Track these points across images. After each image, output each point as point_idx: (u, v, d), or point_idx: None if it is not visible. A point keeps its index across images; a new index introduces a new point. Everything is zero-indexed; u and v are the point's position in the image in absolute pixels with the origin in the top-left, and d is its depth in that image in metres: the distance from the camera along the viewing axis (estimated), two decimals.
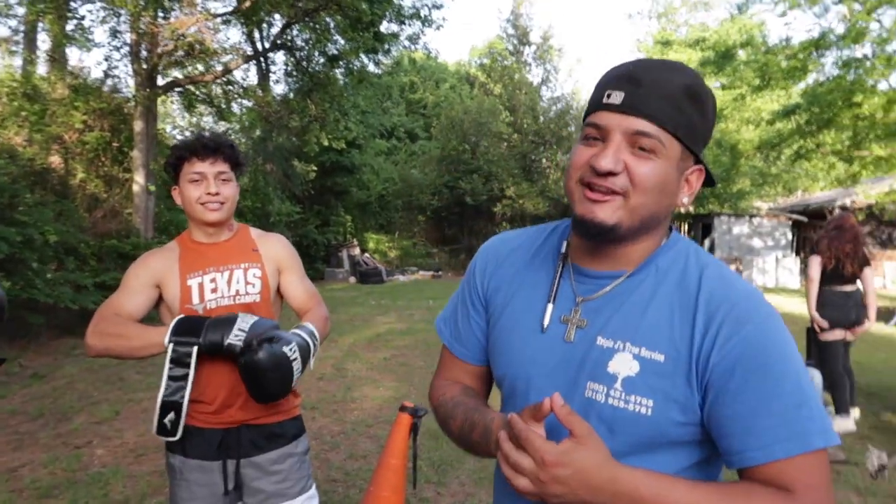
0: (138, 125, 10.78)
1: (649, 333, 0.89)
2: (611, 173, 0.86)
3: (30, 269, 7.07)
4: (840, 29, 12.55)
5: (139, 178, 10.64)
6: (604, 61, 60.99)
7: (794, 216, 22.25)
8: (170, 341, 1.69)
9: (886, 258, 20.38)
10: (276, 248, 2.02)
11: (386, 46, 14.44)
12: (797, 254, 22.24)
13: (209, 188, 1.84)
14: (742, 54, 15.26)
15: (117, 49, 11.90)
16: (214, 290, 1.86)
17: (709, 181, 0.98)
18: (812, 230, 22.40)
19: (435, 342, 8.29)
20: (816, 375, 4.46)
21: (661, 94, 0.86)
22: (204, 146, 1.85)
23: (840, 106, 12.33)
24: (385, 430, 4.63)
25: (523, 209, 23.11)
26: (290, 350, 1.69)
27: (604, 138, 0.88)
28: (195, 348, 1.68)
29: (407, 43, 15.02)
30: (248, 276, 1.91)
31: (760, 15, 23.79)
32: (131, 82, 11.99)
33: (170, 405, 1.73)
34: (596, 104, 0.90)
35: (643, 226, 0.91)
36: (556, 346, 0.96)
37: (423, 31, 14.76)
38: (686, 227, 27.05)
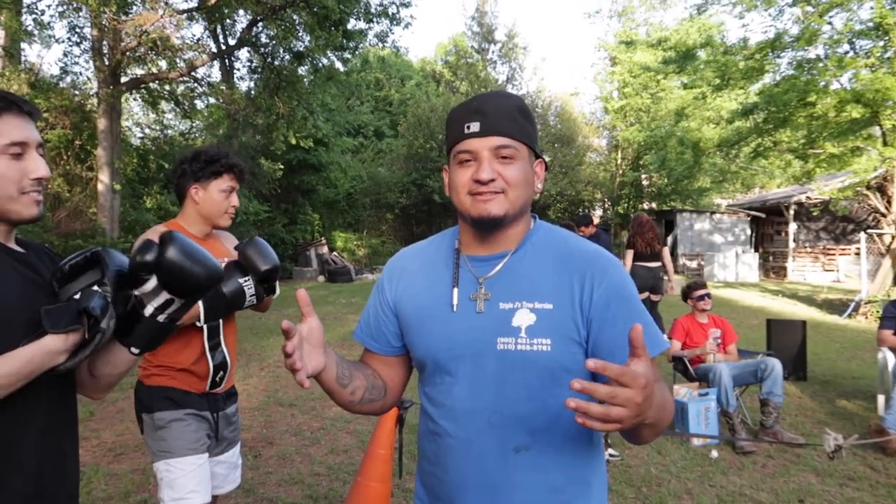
0: (102, 123, 10.60)
1: (538, 291, 1.18)
2: (491, 180, 1.15)
3: None
4: (794, 31, 13.01)
5: (104, 177, 10.45)
6: (568, 60, 61.65)
7: (753, 212, 22.82)
8: (205, 321, 2.06)
9: (840, 253, 20.87)
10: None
11: (353, 44, 14.41)
12: (756, 249, 22.81)
13: (234, 202, 2.21)
14: (702, 54, 15.63)
15: (77, 45, 11.68)
16: None
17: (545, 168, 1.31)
18: (769, 226, 23.04)
19: None
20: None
21: (503, 116, 1.16)
22: (241, 168, 2.22)
23: (795, 105, 12.75)
24: (364, 426, 4.70)
25: None
26: None
27: (475, 158, 1.17)
28: (220, 321, 2.15)
29: (375, 41, 14.98)
30: None
31: (719, 15, 24.37)
32: (93, 79, 11.77)
33: (220, 366, 2.17)
34: (459, 136, 1.18)
35: (520, 212, 1.21)
36: (469, 318, 1.20)
37: (391, 30, 14.78)
38: None
